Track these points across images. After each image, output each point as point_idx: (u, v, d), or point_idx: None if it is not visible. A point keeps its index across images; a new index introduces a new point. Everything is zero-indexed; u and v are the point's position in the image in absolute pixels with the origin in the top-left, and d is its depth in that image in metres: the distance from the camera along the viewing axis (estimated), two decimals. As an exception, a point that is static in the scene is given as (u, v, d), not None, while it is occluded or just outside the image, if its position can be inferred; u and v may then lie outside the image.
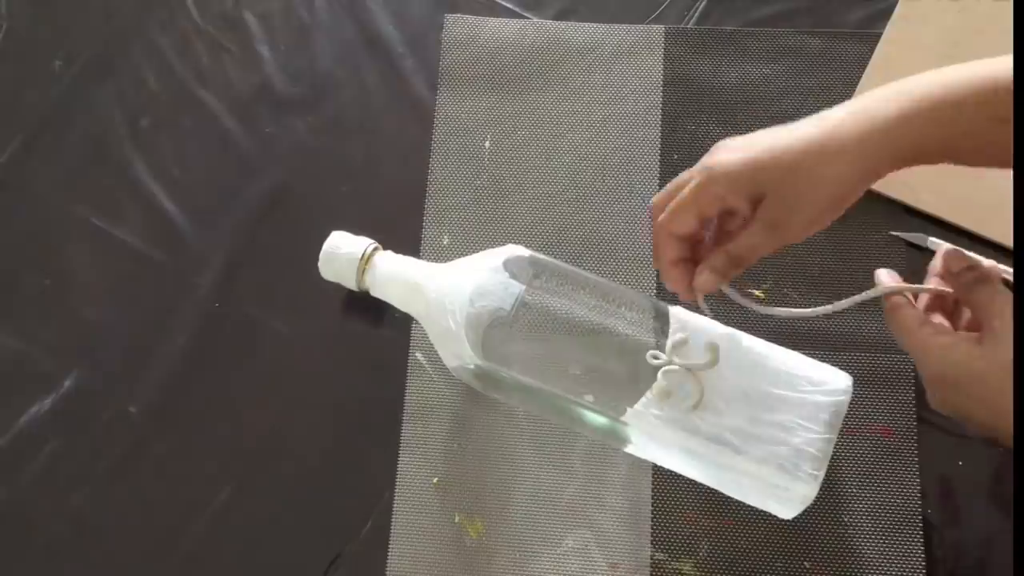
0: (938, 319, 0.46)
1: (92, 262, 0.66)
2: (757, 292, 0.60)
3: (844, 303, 0.48)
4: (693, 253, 0.49)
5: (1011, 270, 0.58)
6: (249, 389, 0.61)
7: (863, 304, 0.60)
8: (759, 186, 0.44)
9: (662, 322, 0.52)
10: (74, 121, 0.70)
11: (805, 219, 0.45)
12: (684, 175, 0.47)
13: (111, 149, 0.69)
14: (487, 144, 0.66)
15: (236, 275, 0.64)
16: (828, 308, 0.48)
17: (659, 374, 0.50)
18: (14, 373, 0.63)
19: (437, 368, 0.60)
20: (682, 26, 0.68)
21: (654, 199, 0.48)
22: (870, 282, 0.60)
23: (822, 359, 0.51)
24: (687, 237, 0.48)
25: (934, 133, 0.43)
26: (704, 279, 0.48)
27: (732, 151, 0.45)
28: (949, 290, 0.47)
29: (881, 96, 0.44)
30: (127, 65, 0.71)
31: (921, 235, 0.60)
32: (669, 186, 0.48)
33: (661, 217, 0.47)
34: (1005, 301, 0.42)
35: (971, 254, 0.46)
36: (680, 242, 0.48)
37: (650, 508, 0.56)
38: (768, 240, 0.46)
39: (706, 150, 0.63)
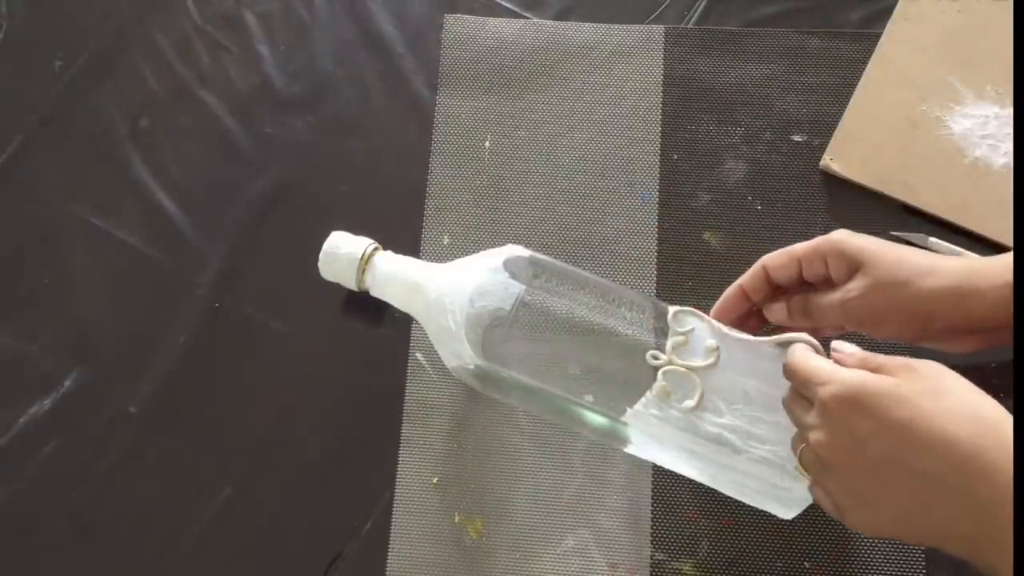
0: None
1: (92, 262, 0.66)
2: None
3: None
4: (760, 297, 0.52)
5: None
6: (249, 389, 0.61)
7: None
8: (861, 261, 0.48)
9: (662, 322, 0.52)
10: (74, 121, 0.70)
11: (877, 310, 0.47)
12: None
13: (111, 149, 0.69)
14: (487, 144, 0.66)
15: (236, 275, 0.64)
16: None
17: (659, 374, 0.50)
18: (14, 373, 0.63)
19: (437, 368, 0.60)
20: (682, 26, 0.68)
21: (769, 256, 0.52)
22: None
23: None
24: (772, 278, 0.51)
25: None
26: (774, 310, 0.52)
27: (857, 235, 0.49)
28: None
29: (994, 261, 0.47)
30: (127, 65, 0.71)
31: (921, 235, 0.60)
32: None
33: (768, 256, 0.51)
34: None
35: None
36: (763, 280, 0.51)
37: (650, 508, 0.56)
38: (849, 308, 0.48)
39: (706, 150, 0.64)
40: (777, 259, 0.50)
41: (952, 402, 0.40)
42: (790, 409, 0.46)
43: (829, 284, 0.50)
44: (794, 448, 0.46)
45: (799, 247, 0.50)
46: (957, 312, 0.46)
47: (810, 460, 0.44)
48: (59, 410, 0.62)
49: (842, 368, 0.43)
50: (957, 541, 0.40)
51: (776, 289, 0.52)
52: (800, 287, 0.51)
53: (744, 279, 0.52)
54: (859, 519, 0.42)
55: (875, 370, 0.42)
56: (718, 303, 0.53)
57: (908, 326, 0.48)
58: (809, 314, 0.50)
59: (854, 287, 0.48)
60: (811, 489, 0.45)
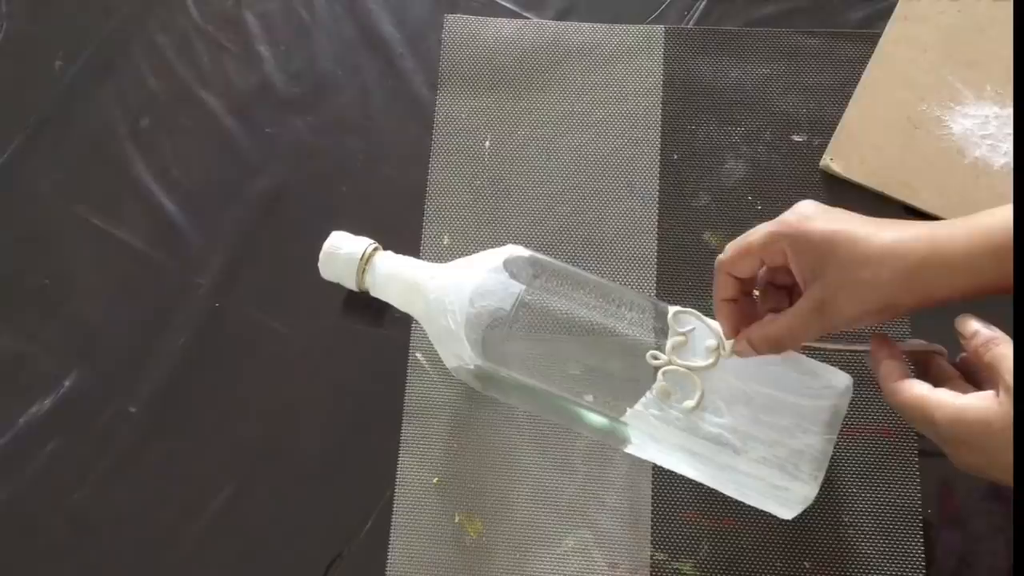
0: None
1: (92, 262, 0.66)
2: (756, 291, 0.60)
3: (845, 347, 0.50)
4: (748, 293, 0.50)
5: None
6: (249, 389, 0.61)
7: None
8: (818, 263, 0.44)
9: (662, 322, 0.52)
10: (74, 121, 0.70)
11: (850, 313, 0.44)
12: (761, 225, 0.47)
13: (111, 149, 0.69)
14: (487, 144, 0.66)
15: (236, 275, 0.64)
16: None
17: (659, 374, 0.50)
18: (14, 373, 0.63)
19: (437, 368, 0.60)
20: (682, 26, 0.68)
21: (730, 244, 0.49)
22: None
23: (822, 359, 0.51)
24: (744, 280, 0.48)
25: (999, 277, 0.42)
26: (739, 348, 0.49)
27: (808, 217, 0.45)
28: (943, 350, 0.47)
29: (958, 229, 0.43)
30: (127, 65, 0.71)
31: (921, 235, 0.59)
32: (746, 234, 0.48)
33: (723, 256, 0.48)
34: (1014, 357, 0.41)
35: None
36: (736, 282, 0.48)
37: (650, 508, 0.56)
38: (810, 323, 0.45)
39: (706, 150, 0.64)
40: (741, 268, 0.48)
41: None
42: None
43: (784, 275, 0.48)
44: None
45: (754, 242, 0.47)
46: (926, 294, 0.43)
47: None
48: (59, 410, 0.62)
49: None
50: None
51: (746, 283, 0.49)
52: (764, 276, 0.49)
53: (721, 292, 0.49)
54: None
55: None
56: (721, 324, 0.50)
57: (883, 317, 0.45)
58: (777, 347, 0.47)
59: (816, 298, 0.45)
60: None
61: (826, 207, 0.46)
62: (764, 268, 0.48)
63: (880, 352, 0.47)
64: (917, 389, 0.43)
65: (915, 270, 0.43)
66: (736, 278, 0.48)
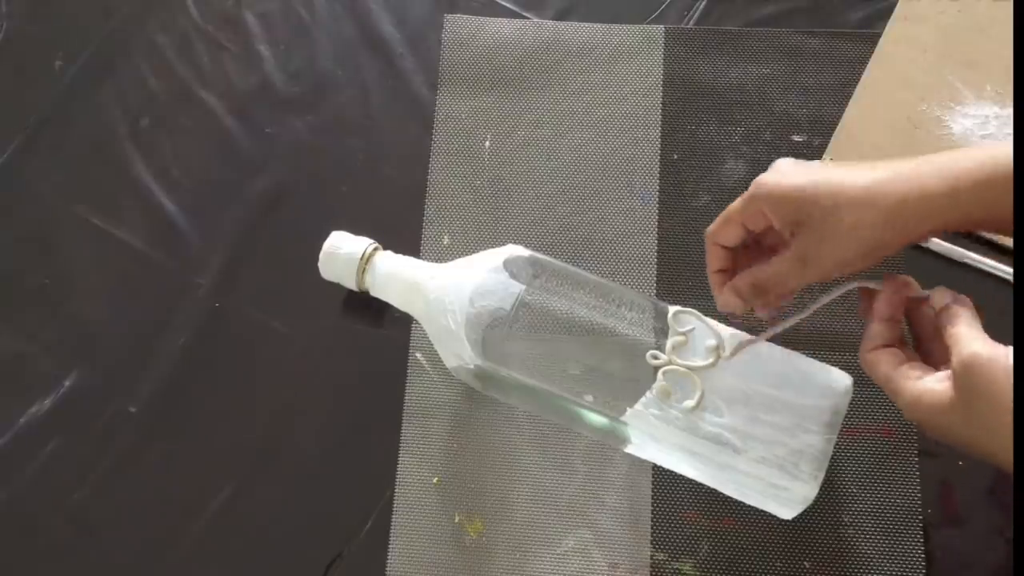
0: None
1: (92, 262, 0.66)
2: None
3: (821, 301, 0.48)
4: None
5: (1010, 270, 0.58)
6: (249, 389, 0.61)
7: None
8: (799, 214, 0.44)
9: (662, 322, 0.52)
10: (74, 121, 0.70)
11: (836, 259, 0.44)
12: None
13: (111, 149, 0.69)
14: (487, 144, 0.66)
15: (236, 275, 0.64)
16: (806, 312, 0.49)
17: (659, 374, 0.50)
18: (14, 373, 0.63)
19: (437, 368, 0.60)
20: (682, 26, 0.68)
21: (710, 228, 0.49)
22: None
23: (822, 359, 0.51)
24: (732, 249, 0.48)
25: (977, 211, 0.42)
26: (724, 300, 0.49)
27: (784, 174, 0.45)
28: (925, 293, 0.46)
29: (936, 164, 0.43)
30: (127, 65, 0.71)
31: (921, 235, 0.60)
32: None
33: (709, 227, 0.48)
34: (975, 334, 0.41)
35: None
36: (725, 252, 0.49)
37: (650, 508, 0.56)
38: (795, 272, 0.46)
39: (706, 150, 0.64)
40: (726, 236, 0.48)
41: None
42: None
43: (773, 235, 0.47)
44: None
45: (738, 215, 0.47)
46: (908, 231, 0.43)
47: None
48: (59, 410, 0.62)
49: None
50: None
51: (735, 251, 0.49)
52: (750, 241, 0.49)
53: (713, 263, 0.49)
54: None
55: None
56: (715, 296, 0.50)
57: (869, 260, 0.45)
58: (763, 293, 0.47)
59: (798, 249, 0.45)
60: None
61: (803, 162, 0.46)
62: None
63: (866, 311, 0.47)
64: (883, 368, 0.44)
65: (896, 209, 0.42)
66: (724, 247, 0.49)
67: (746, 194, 0.47)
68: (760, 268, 0.47)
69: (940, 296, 0.44)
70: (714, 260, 0.49)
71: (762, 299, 0.48)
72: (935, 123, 0.62)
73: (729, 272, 0.49)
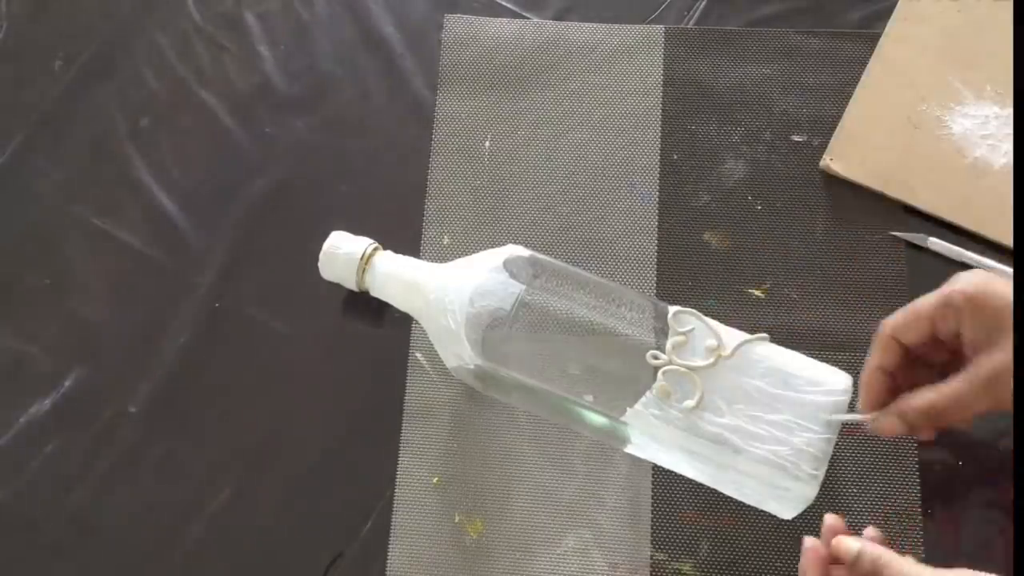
0: None
1: (92, 262, 0.66)
2: (757, 292, 0.60)
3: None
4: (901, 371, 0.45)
5: (1010, 270, 0.58)
6: (249, 389, 0.61)
7: (864, 305, 0.60)
8: (1002, 328, 0.39)
9: (662, 322, 0.52)
10: (74, 121, 0.70)
11: None
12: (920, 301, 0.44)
13: (111, 149, 0.69)
14: (487, 144, 0.66)
15: (236, 275, 0.64)
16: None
17: (659, 374, 0.50)
18: (14, 373, 0.63)
19: (437, 368, 0.60)
20: (682, 26, 0.68)
21: (890, 320, 0.44)
22: (871, 283, 0.61)
23: (822, 359, 0.51)
24: (906, 349, 0.44)
25: None
26: (886, 424, 0.44)
27: (992, 281, 0.41)
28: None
29: None
30: (127, 65, 0.71)
31: (921, 235, 0.60)
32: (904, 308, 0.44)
33: (891, 319, 0.44)
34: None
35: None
36: (901, 349, 0.44)
37: (650, 508, 0.56)
38: (981, 395, 0.40)
39: (706, 150, 0.64)
40: (907, 331, 0.43)
41: None
42: None
43: (955, 347, 0.43)
44: None
45: (929, 314, 0.42)
46: None
47: None
48: (59, 410, 0.62)
49: None
50: None
51: (909, 353, 0.44)
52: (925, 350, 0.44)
53: (881, 359, 0.44)
54: None
55: None
56: (864, 394, 0.46)
57: None
58: (937, 421, 0.42)
59: (988, 367, 0.39)
60: None
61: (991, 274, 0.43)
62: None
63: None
64: None
65: None
66: (901, 344, 0.43)
67: (942, 291, 0.42)
68: (937, 391, 0.42)
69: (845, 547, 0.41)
70: (885, 355, 0.44)
71: (933, 426, 0.43)
72: (935, 123, 0.62)
73: (888, 374, 0.44)
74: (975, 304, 0.41)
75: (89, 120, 0.70)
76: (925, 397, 0.42)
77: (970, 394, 0.41)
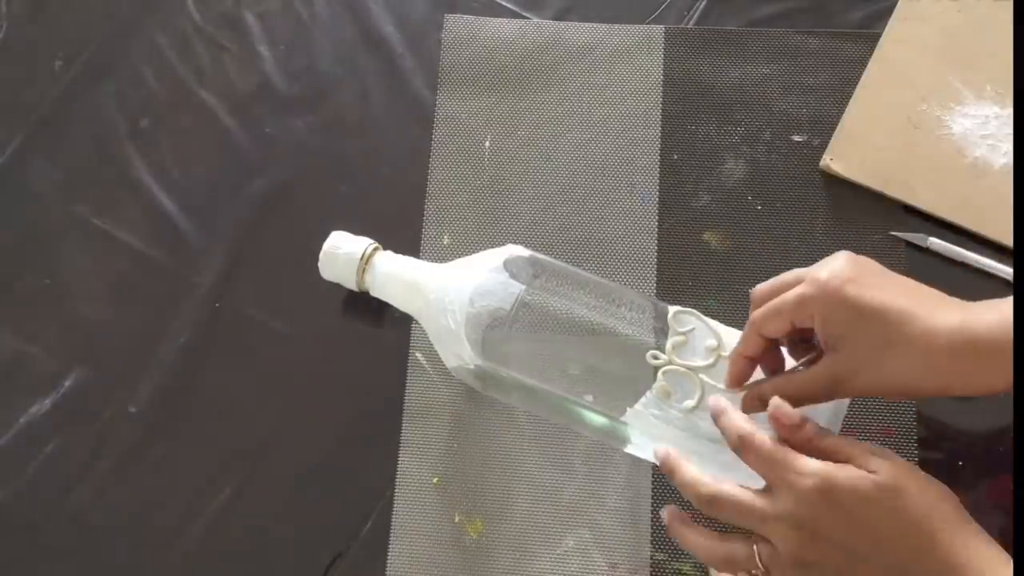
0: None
1: (92, 262, 0.66)
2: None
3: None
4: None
5: (1010, 270, 0.58)
6: (249, 389, 0.61)
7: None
8: (849, 333, 0.43)
9: (662, 322, 0.52)
10: (74, 121, 0.70)
11: (870, 389, 0.44)
12: (791, 276, 0.46)
13: (111, 149, 0.69)
14: (487, 144, 0.66)
15: (236, 275, 0.64)
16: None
17: (659, 374, 0.50)
18: (14, 373, 0.63)
19: (437, 368, 0.60)
20: (682, 26, 0.68)
21: (756, 289, 0.48)
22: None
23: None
24: (771, 340, 0.47)
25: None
26: (746, 403, 0.47)
27: (848, 281, 0.43)
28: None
29: (989, 321, 0.42)
30: (127, 65, 0.71)
31: (921, 235, 0.60)
32: (775, 281, 0.47)
33: (756, 313, 0.47)
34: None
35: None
36: (763, 342, 0.47)
37: (650, 508, 0.56)
38: (822, 391, 0.45)
39: (706, 150, 0.64)
40: (772, 329, 0.46)
41: (910, 501, 0.40)
42: (739, 501, 0.43)
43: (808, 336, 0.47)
44: (738, 550, 0.43)
45: (789, 312, 0.45)
46: (949, 385, 0.42)
47: (776, 557, 0.41)
48: (59, 410, 0.62)
49: (810, 460, 0.41)
50: None
51: (771, 342, 0.48)
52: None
53: (744, 348, 0.48)
54: None
55: (833, 456, 0.41)
56: (728, 375, 0.49)
57: (891, 399, 0.44)
58: (792, 403, 0.44)
59: (836, 369, 0.44)
60: None
61: (862, 264, 0.45)
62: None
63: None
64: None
65: (945, 362, 0.41)
66: (764, 338, 0.47)
67: (800, 292, 0.44)
68: (789, 379, 0.46)
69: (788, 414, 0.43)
70: (750, 346, 0.47)
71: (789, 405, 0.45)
72: (935, 123, 0.62)
73: (754, 361, 0.48)
74: (827, 309, 0.43)
75: (89, 120, 0.70)
76: (776, 384, 0.46)
77: (812, 390, 0.45)
